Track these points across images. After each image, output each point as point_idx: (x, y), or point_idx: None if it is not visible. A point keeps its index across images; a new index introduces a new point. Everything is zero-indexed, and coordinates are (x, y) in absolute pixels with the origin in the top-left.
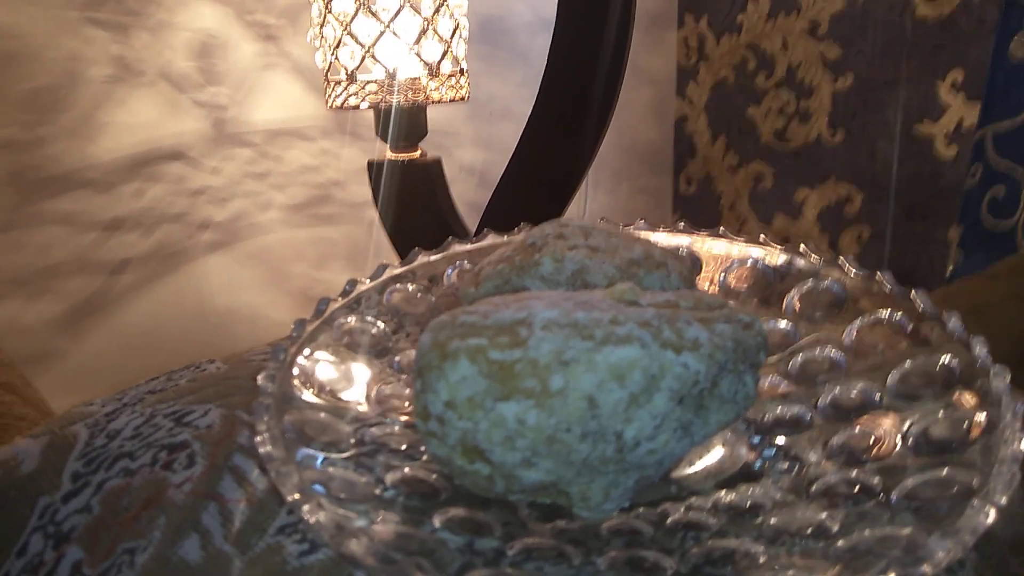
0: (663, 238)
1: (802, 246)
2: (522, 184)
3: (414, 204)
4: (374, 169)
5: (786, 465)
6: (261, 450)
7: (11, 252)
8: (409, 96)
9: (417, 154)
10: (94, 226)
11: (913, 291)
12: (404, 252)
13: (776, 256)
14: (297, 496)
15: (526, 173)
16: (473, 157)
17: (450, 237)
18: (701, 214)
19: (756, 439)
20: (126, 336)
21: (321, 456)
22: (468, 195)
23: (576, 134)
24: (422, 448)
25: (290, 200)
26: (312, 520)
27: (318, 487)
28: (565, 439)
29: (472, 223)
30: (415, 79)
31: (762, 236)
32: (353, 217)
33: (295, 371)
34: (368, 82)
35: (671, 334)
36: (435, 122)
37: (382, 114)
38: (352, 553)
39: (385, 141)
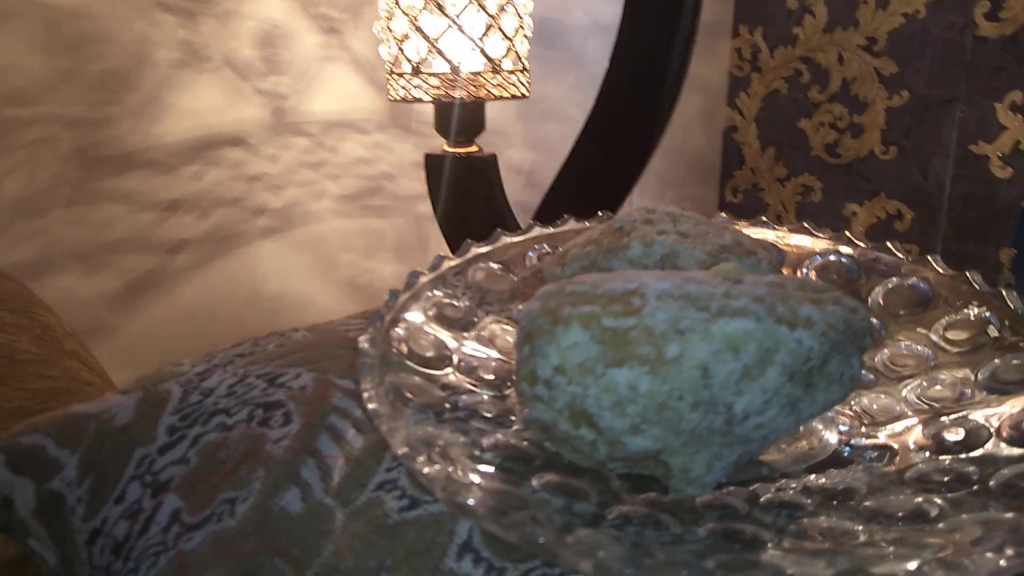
0: (745, 231)
1: (889, 243)
2: (575, 186)
3: (469, 198)
4: (431, 163)
5: (875, 453)
6: (370, 406)
7: (72, 227)
8: (471, 91)
9: (474, 149)
10: (154, 206)
11: (1004, 290)
12: (456, 245)
13: (860, 252)
14: (407, 449)
15: (579, 176)
16: (521, 157)
17: (531, 220)
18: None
19: (844, 427)
20: (179, 315)
21: (421, 416)
22: (515, 195)
23: (631, 141)
24: (511, 418)
25: (343, 190)
26: (425, 472)
27: (422, 444)
28: (676, 407)
29: (520, 222)
30: (477, 74)
31: (846, 232)
32: (403, 210)
33: (392, 336)
34: (431, 75)
35: (785, 310)
36: (487, 120)
37: (443, 108)
38: (466, 504)
39: (443, 136)
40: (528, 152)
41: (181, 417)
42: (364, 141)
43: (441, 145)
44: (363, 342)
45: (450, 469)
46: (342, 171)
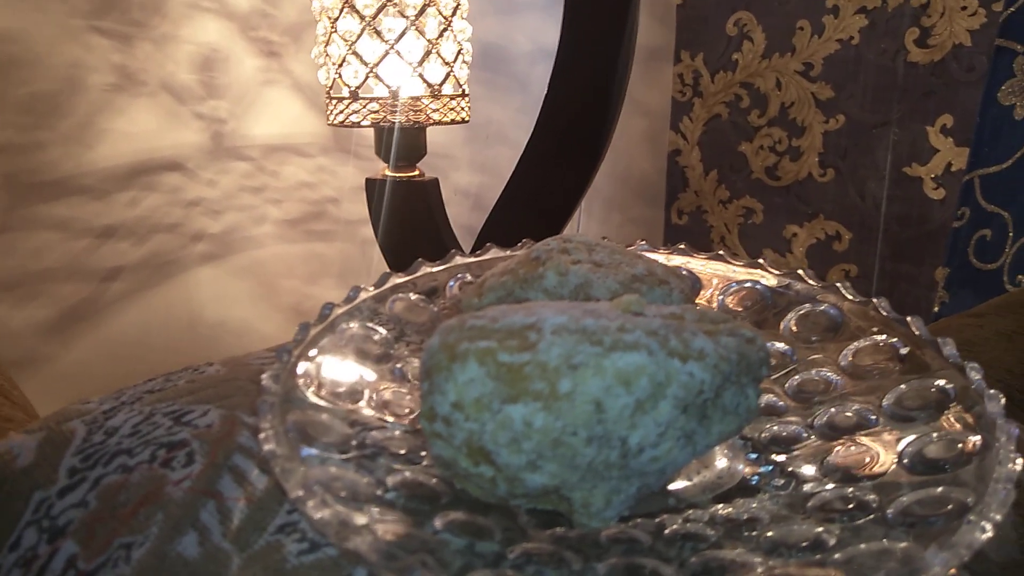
0: (663, 259)
1: (800, 271)
2: (517, 209)
3: (410, 223)
4: (372, 187)
5: (782, 481)
6: (265, 447)
7: (2, 255)
8: (410, 116)
9: (415, 174)
10: (87, 233)
11: (909, 317)
12: (398, 271)
13: (774, 279)
14: (301, 493)
15: (522, 198)
16: (468, 180)
17: (452, 250)
18: (691, 246)
19: (753, 455)
20: (115, 344)
21: (324, 456)
22: (462, 218)
23: (572, 162)
24: (422, 453)
25: (285, 215)
26: (316, 516)
27: (320, 486)
28: (571, 442)
29: (466, 245)
30: (417, 99)
31: (760, 260)
32: (347, 234)
33: (298, 372)
34: (370, 100)
35: (678, 343)
36: (432, 144)
37: (383, 133)
38: (356, 549)
39: (384, 160)
40: (475, 175)
41: (83, 458)
42: (307, 165)
43: (382, 169)
44: (265, 379)
45: (344, 512)
46: (284, 195)
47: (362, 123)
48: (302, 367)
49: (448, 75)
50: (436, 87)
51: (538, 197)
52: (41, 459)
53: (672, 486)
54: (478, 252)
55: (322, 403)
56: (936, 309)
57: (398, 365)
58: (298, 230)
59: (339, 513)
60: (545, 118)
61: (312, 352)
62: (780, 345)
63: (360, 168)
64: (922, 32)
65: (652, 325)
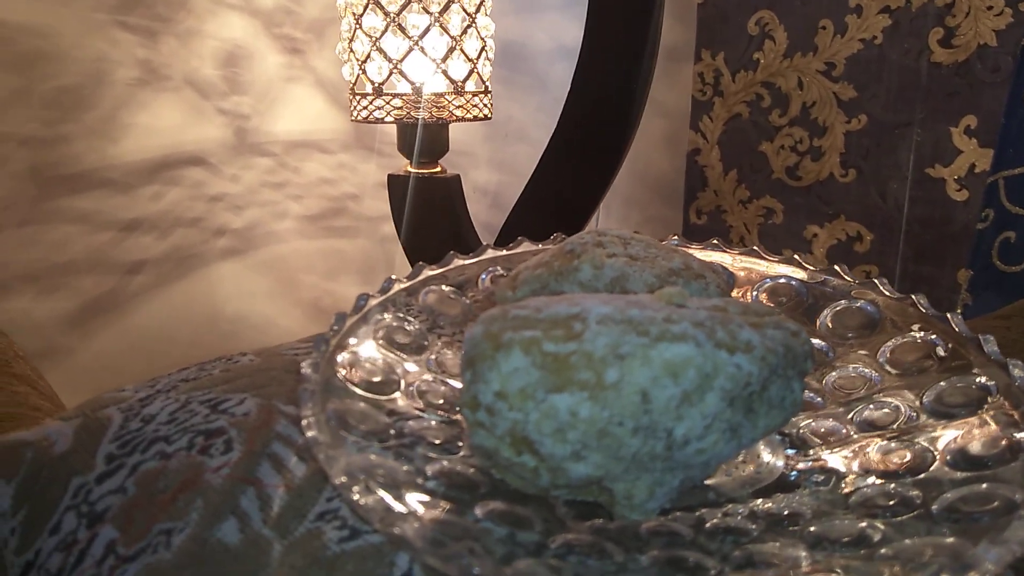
0: (697, 254)
1: (837, 267)
2: (538, 207)
3: (432, 219)
4: (394, 183)
5: (821, 477)
6: (308, 434)
7: (26, 248)
8: (433, 112)
9: (438, 170)
10: (110, 226)
11: (949, 314)
12: None
13: (810, 275)
14: (345, 479)
15: (542, 197)
16: (487, 178)
17: (484, 243)
18: None
19: (791, 451)
20: (136, 337)
21: (363, 444)
22: (481, 216)
23: (593, 161)
24: (459, 443)
25: (306, 211)
26: (362, 502)
27: (363, 473)
28: (616, 433)
29: (486, 242)
30: (440, 96)
31: (796, 255)
32: (367, 231)
33: (337, 361)
34: (394, 96)
35: (725, 335)
36: (452, 141)
37: (406, 129)
38: (403, 535)
39: (407, 156)
40: (494, 173)
41: (120, 445)
42: (328, 161)
43: (405, 165)
44: (305, 367)
45: (388, 499)
46: (305, 191)
47: (385, 119)
48: (340, 357)
49: (471, 72)
50: (459, 83)
51: (559, 196)
52: (79, 445)
53: (709, 480)
54: (510, 245)
55: (359, 392)
56: (959, 311)
57: (431, 356)
58: (319, 226)
59: (383, 499)
60: (567, 117)
61: (348, 342)
62: (817, 341)
63: (381, 165)
64: (946, 32)
65: (698, 316)
